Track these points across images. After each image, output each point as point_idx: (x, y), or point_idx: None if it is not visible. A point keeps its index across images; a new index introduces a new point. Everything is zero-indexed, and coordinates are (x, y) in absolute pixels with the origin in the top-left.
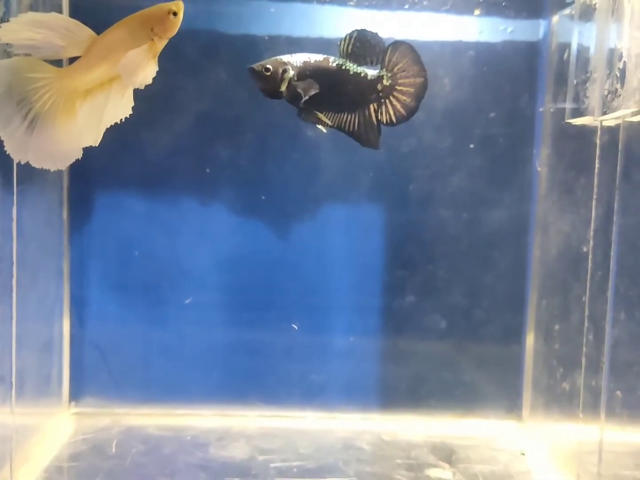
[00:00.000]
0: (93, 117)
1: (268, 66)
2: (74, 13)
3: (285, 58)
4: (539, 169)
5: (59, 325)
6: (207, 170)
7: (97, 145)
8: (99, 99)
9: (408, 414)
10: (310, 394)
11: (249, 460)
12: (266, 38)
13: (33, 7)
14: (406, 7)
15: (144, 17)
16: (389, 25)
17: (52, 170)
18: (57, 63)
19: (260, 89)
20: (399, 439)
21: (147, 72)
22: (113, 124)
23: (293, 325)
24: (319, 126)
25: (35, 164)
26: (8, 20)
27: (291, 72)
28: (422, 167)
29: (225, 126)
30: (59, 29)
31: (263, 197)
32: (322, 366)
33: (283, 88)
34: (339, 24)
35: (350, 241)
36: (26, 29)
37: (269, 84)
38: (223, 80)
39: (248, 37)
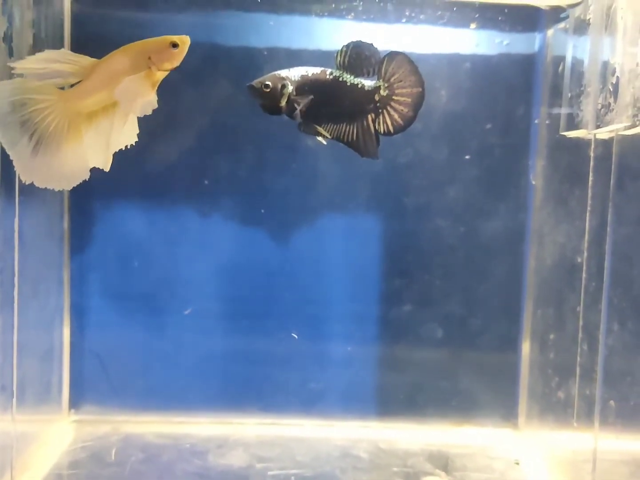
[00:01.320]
0: (99, 141)
1: (267, 83)
2: (75, 26)
3: (283, 73)
4: (533, 182)
5: (59, 333)
6: (206, 182)
7: (107, 169)
8: (103, 123)
9: (405, 422)
10: (308, 402)
11: (247, 469)
12: (265, 51)
13: (35, 22)
14: (403, 20)
15: (143, 45)
16: (386, 38)
17: (56, 190)
18: None
19: (260, 105)
20: (395, 447)
21: (145, 102)
22: (120, 149)
23: (293, 334)
24: (319, 138)
25: (40, 184)
26: (12, 37)
27: (290, 87)
28: (419, 178)
29: (225, 137)
30: (65, 61)
31: (262, 211)
32: (320, 374)
33: (283, 103)
34: (337, 36)
35: (348, 251)
36: (37, 63)
37: (269, 100)
38: (222, 91)
39: (247, 49)
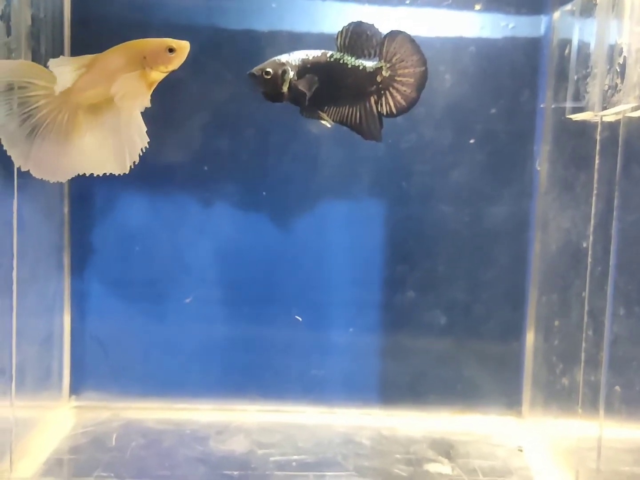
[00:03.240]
0: (107, 140)
1: (268, 69)
2: (75, 6)
3: (283, 58)
4: (538, 168)
5: (59, 319)
6: (205, 168)
7: (127, 172)
8: (109, 120)
9: (407, 410)
10: (310, 388)
11: (248, 454)
12: (267, 33)
13: (34, 1)
14: (407, 2)
15: (141, 45)
16: (390, 21)
17: (51, 182)
18: None
19: (262, 93)
20: (398, 434)
21: (136, 102)
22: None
23: (297, 317)
24: (323, 121)
25: (36, 174)
26: (9, 16)
27: (291, 73)
28: (423, 163)
29: (226, 121)
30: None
31: (264, 193)
32: (321, 361)
33: (285, 89)
34: (341, 19)
35: (350, 236)
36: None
37: (271, 86)
38: (224, 75)
39: (249, 32)
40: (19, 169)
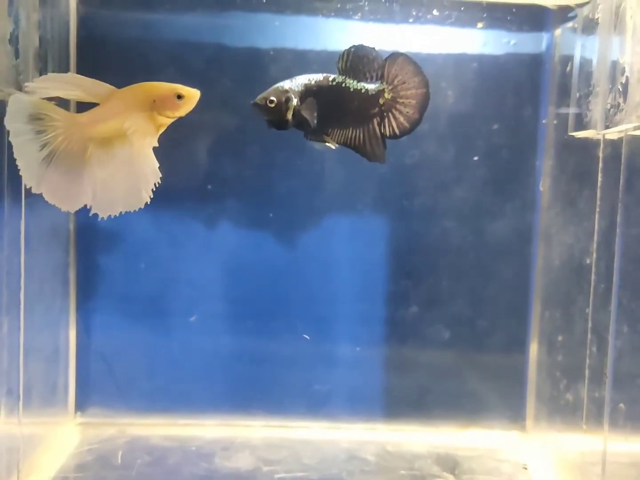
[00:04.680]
0: (122, 174)
1: (272, 98)
2: (81, 27)
3: (285, 85)
4: (541, 189)
5: (65, 335)
6: (209, 187)
7: (142, 206)
8: (121, 152)
9: (412, 425)
10: (315, 404)
11: (254, 471)
12: (271, 51)
13: (41, 24)
14: (411, 20)
15: (151, 88)
16: (393, 38)
17: (62, 210)
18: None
19: (266, 121)
20: (403, 449)
21: (145, 141)
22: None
23: (305, 336)
24: (327, 144)
25: (48, 198)
26: (18, 39)
27: (294, 100)
28: (426, 178)
29: (230, 137)
30: (82, 86)
31: (271, 215)
32: (326, 376)
33: (289, 116)
34: (344, 37)
35: (354, 251)
36: (54, 85)
37: (275, 115)
38: (228, 92)
39: (253, 50)
40: (27, 189)
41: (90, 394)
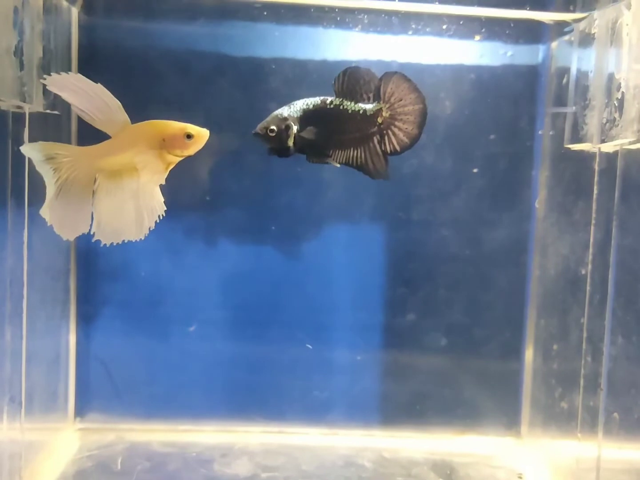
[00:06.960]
0: (127, 205)
1: (272, 127)
2: (84, 37)
3: (284, 112)
4: (537, 205)
5: (65, 342)
6: (208, 198)
7: (143, 238)
8: (129, 185)
9: (409, 431)
10: (313, 410)
11: (252, 477)
12: (271, 62)
13: (44, 34)
14: (410, 32)
15: (161, 127)
16: (393, 50)
17: (64, 239)
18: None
19: (268, 150)
20: (399, 455)
21: (154, 177)
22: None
23: (308, 345)
24: (330, 164)
25: (55, 228)
26: (22, 50)
27: (294, 127)
28: (424, 188)
29: (230, 147)
30: (99, 100)
31: (273, 228)
32: (324, 383)
33: (290, 144)
34: (344, 48)
35: (352, 260)
36: (70, 86)
37: (276, 143)
38: (228, 102)
39: (253, 60)
40: (29, 197)
41: (90, 400)
